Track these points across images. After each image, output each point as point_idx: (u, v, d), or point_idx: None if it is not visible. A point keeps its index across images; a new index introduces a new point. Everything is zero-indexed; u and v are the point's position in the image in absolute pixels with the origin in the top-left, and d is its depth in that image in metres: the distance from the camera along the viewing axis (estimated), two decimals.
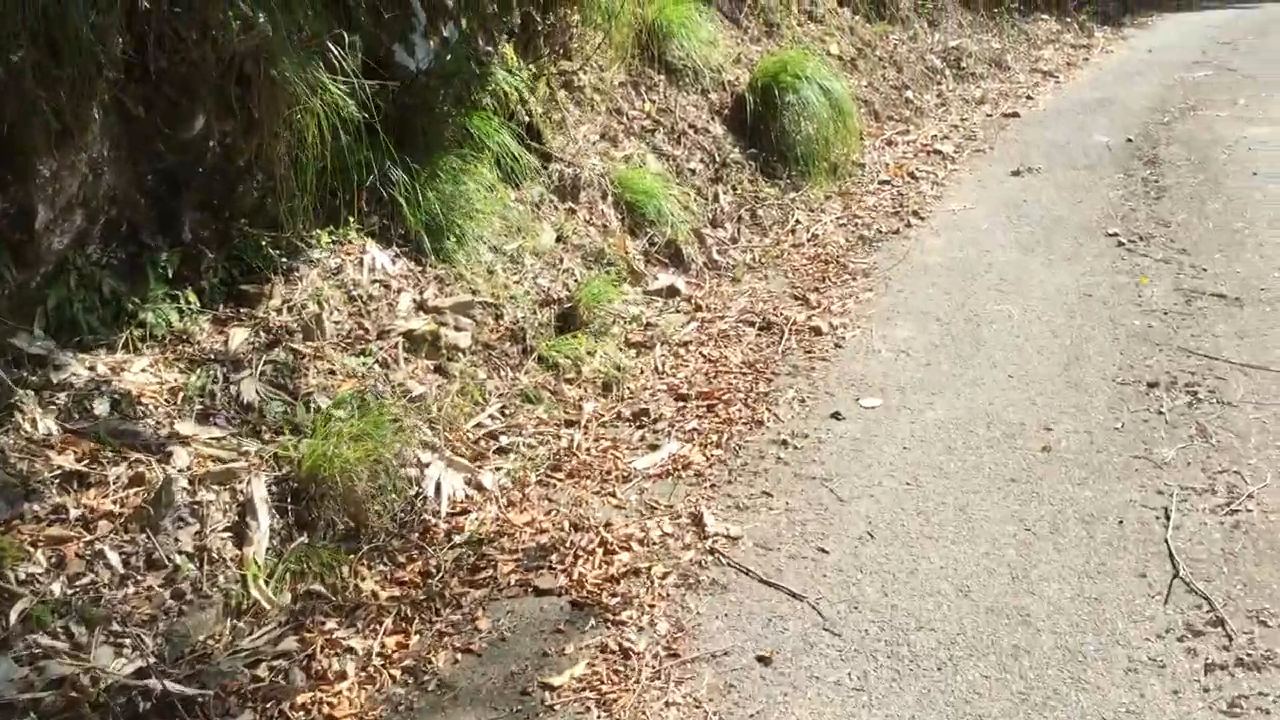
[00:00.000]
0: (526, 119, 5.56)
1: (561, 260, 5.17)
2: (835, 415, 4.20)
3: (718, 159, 6.65)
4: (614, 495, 3.68)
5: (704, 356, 4.76)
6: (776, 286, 5.64)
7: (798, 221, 6.47)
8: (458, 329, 4.38)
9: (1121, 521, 3.43)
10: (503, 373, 4.39)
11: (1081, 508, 3.52)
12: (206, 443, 3.40)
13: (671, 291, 5.40)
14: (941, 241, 6.16)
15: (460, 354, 4.30)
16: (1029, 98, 9.87)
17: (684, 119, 6.74)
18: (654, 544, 3.39)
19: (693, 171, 6.46)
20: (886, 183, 7.31)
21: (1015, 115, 9.17)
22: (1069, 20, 13.52)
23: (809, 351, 4.79)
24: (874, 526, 3.45)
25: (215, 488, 3.27)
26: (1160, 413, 4.11)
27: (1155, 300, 5.19)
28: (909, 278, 5.63)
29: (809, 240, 6.24)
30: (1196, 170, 7.32)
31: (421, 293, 4.43)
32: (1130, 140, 8.18)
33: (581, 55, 6.21)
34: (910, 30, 10.35)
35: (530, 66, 5.70)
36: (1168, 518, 3.43)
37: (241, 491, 3.28)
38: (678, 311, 5.27)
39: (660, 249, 5.71)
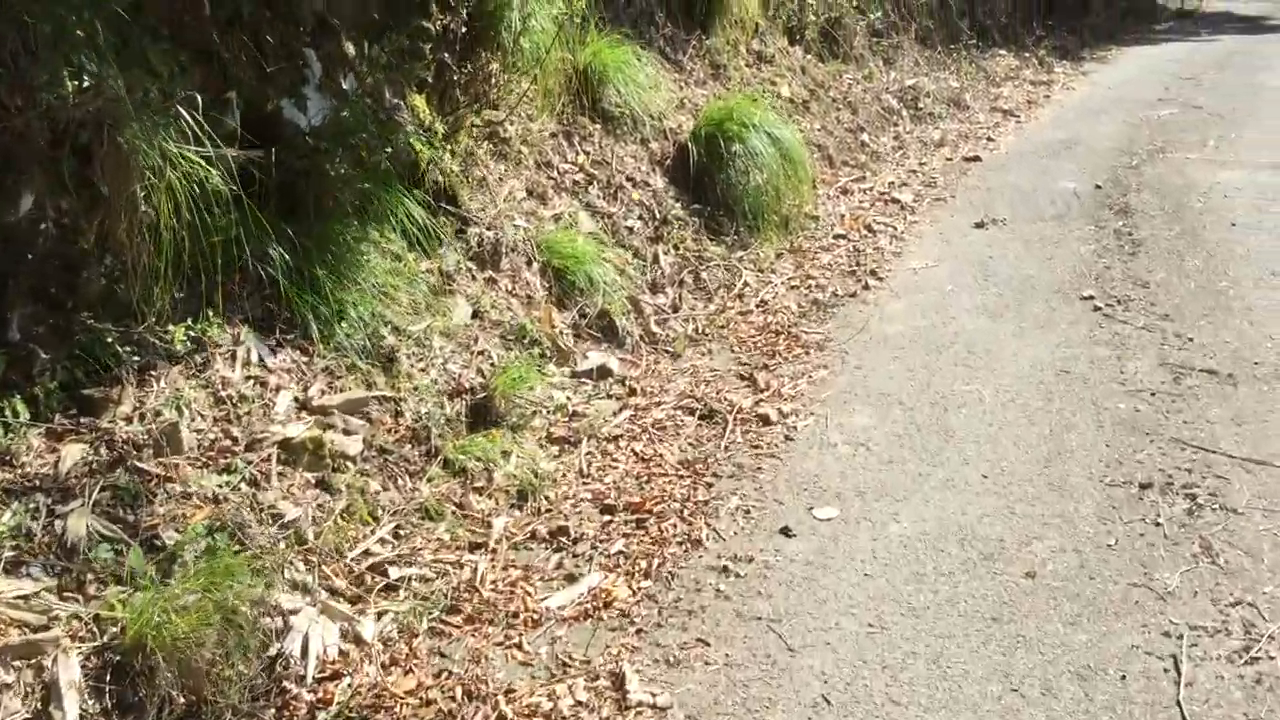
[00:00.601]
0: (440, 179, 4.97)
1: (477, 340, 4.57)
2: (785, 531, 3.62)
3: (658, 215, 6.09)
4: (520, 647, 3.07)
5: (636, 454, 4.17)
6: (721, 362, 5.07)
7: (746, 284, 5.92)
8: (347, 432, 3.77)
9: (1124, 676, 2.87)
10: (400, 482, 3.78)
11: (1076, 656, 2.95)
12: (11, 602, 2.77)
13: (603, 372, 4.81)
14: (902, 306, 5.62)
15: (349, 463, 3.68)
16: (990, 139, 9.42)
17: (621, 171, 6.18)
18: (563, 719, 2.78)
19: (630, 230, 5.89)
20: (842, 237, 6.78)
21: (976, 159, 8.70)
22: (1028, 56, 13.14)
23: (756, 446, 4.21)
24: (831, 688, 2.86)
25: (16, 664, 2.63)
26: (1158, 523, 3.56)
27: (1140, 377, 4.66)
28: (868, 351, 5.07)
29: (758, 306, 5.68)
30: (1172, 220, 6.85)
31: (306, 389, 3.82)
32: (1099, 187, 7.72)
33: (507, 105, 5.64)
34: (865, 69, 9.88)
35: (445, 120, 5.12)
36: (1178, 670, 2.87)
37: (49, 670, 2.64)
38: (609, 396, 4.68)
39: (591, 321, 5.12)
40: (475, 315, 4.73)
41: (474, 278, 4.91)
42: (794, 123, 8.14)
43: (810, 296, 5.82)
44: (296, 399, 3.76)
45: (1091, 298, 5.61)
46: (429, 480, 3.82)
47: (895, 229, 6.92)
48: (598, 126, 6.27)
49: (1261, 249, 6.20)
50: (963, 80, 11.13)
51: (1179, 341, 5.01)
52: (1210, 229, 6.64)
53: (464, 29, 5.23)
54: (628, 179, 6.19)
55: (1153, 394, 4.51)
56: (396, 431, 3.90)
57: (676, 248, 6.01)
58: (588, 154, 6.11)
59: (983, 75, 11.64)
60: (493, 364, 4.48)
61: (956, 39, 11.88)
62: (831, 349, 5.12)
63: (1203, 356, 4.85)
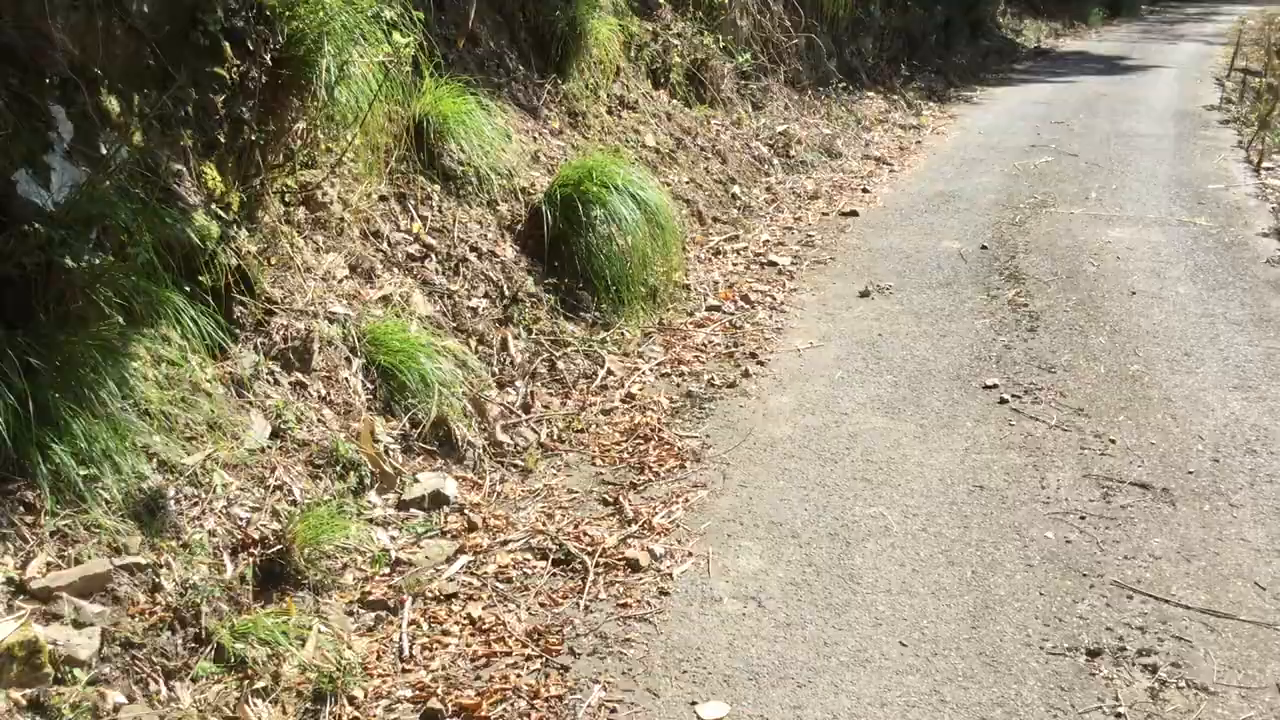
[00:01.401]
0: (235, 261, 4.06)
1: (274, 470, 3.66)
2: None
3: (508, 292, 5.26)
4: None
5: (473, 623, 3.32)
6: (581, 479, 4.26)
7: (609, 373, 5.13)
8: (79, 624, 2.83)
9: None
10: (152, 688, 2.85)
11: None
12: None
13: (436, 499, 3.95)
14: (789, 400, 4.90)
15: (79, 669, 2.74)
16: (865, 191, 8.87)
17: (464, 240, 5.35)
18: None
19: (474, 311, 5.05)
20: (717, 309, 6.05)
21: (854, 214, 8.12)
22: (896, 98, 12.76)
23: (624, 604, 3.41)
24: None
25: None
26: (1118, 714, 2.88)
27: (1065, 495, 4.03)
28: (753, 463, 4.33)
29: (624, 401, 4.89)
30: (1067, 288, 6.33)
31: (25, 564, 2.87)
32: (985, 248, 7.19)
33: (326, 164, 4.77)
34: (734, 114, 9.25)
35: (243, 188, 4.22)
36: None
37: None
38: (443, 534, 3.82)
39: (425, 432, 4.26)
40: (275, 435, 3.83)
41: (277, 383, 4.01)
42: (661, 176, 7.44)
43: (684, 387, 5.06)
44: (10, 580, 2.81)
45: (995, 387, 4.99)
46: (194, 680, 2.90)
47: (774, 299, 6.24)
48: (437, 187, 5.43)
49: (1168, 325, 5.70)
50: (834, 126, 10.63)
51: (1099, 444, 4.41)
52: (1110, 299, 6.14)
53: (267, 77, 4.35)
54: (472, 249, 5.35)
55: (1082, 517, 3.87)
56: (152, 614, 2.97)
57: (529, 330, 5.19)
58: (425, 220, 5.26)
59: (853, 119, 11.17)
60: (294, 502, 3.58)
61: (826, 82, 11.39)
62: (710, 460, 4.36)
63: (1129, 464, 4.25)
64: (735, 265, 6.83)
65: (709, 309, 6.06)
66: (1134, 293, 6.23)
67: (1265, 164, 9.84)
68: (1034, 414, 4.71)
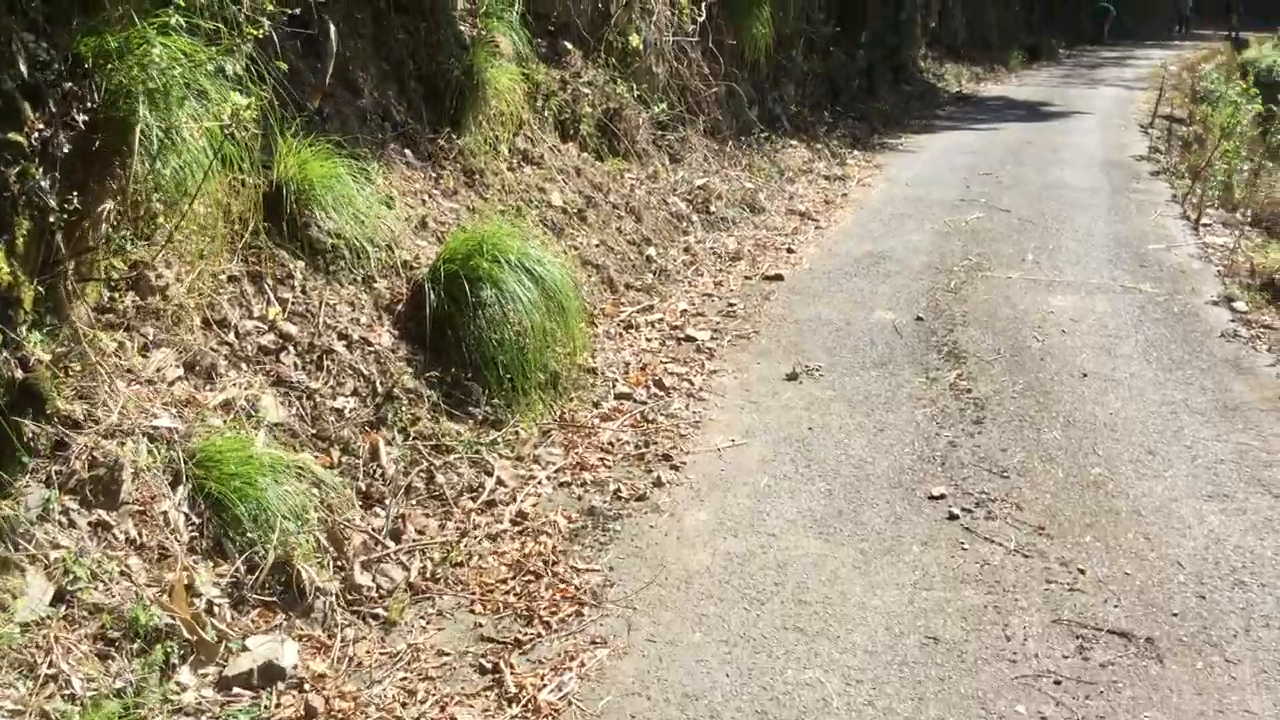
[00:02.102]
0: (20, 374, 3.28)
1: (51, 650, 2.87)
2: None
3: (381, 388, 4.51)
4: None
5: None
6: (455, 635, 3.51)
7: (500, 483, 4.39)
8: None
9: None
10: None
11: None
12: None
13: (268, 674, 3.17)
14: (707, 517, 4.21)
15: None
16: (790, 250, 8.27)
17: (332, 326, 4.59)
18: None
19: (339, 414, 4.30)
20: (627, 397, 5.36)
21: (778, 278, 7.50)
22: (820, 147, 12.25)
23: None
24: None
25: None
26: None
27: (1033, 649, 3.38)
28: (664, 606, 3.62)
29: (513, 523, 4.15)
30: (1012, 368, 5.75)
31: None
32: (921, 319, 6.61)
33: (160, 239, 4.01)
34: (649, 167, 8.61)
35: (39, 280, 3.45)
36: None
37: None
38: None
39: (263, 578, 3.49)
40: (60, 599, 3.03)
41: (71, 525, 3.23)
42: (568, 238, 6.76)
43: (586, 501, 4.34)
44: None
45: (943, 498, 4.36)
46: None
47: (692, 383, 5.56)
48: (300, 264, 4.67)
49: (1126, 415, 5.14)
50: (756, 177, 10.04)
51: (1068, 576, 3.79)
52: (1059, 382, 5.57)
53: (79, 143, 3.60)
54: (341, 336, 4.60)
55: (1056, 682, 3.22)
56: None
57: (406, 434, 4.44)
58: (284, 304, 4.50)
59: (776, 171, 10.60)
60: (72, 697, 2.79)
61: (748, 131, 10.82)
62: (613, 604, 3.63)
63: (1104, 602, 3.62)
64: (649, 341, 6.15)
65: (618, 397, 5.35)
66: (1085, 375, 5.67)
67: (1203, 220, 9.46)
68: (989, 533, 4.07)
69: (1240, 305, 6.96)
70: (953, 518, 4.20)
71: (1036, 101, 18.95)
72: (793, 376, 5.66)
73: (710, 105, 9.92)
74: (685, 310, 6.75)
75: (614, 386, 5.44)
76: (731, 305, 6.89)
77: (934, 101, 18.35)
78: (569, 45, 8.12)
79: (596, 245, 7.02)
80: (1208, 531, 4.09)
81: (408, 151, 6.05)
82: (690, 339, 6.23)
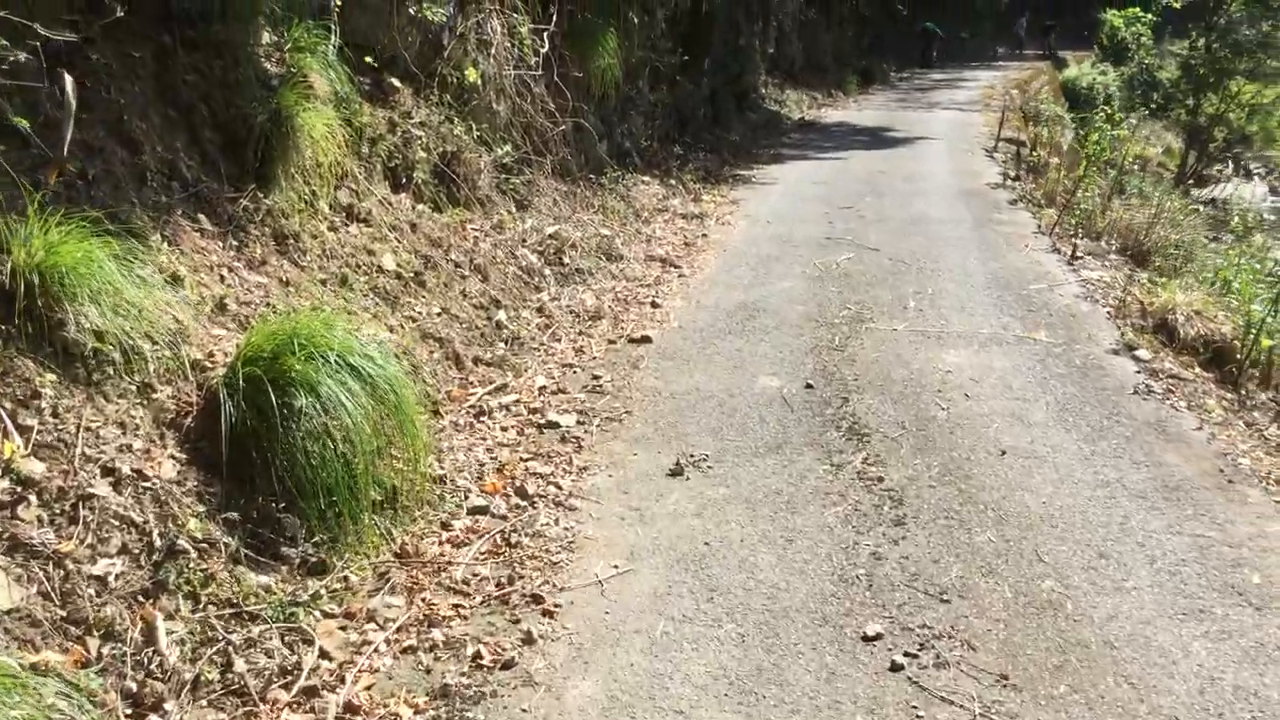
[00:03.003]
0: None
1: None
2: None
3: (161, 540, 3.47)
4: None
5: None
6: None
7: (322, 656, 3.41)
8: None
9: None
10: None
11: None
12: None
13: None
14: (594, 689, 3.32)
15: None
16: (654, 304, 7.46)
17: (94, 459, 3.53)
18: None
19: (101, 584, 3.24)
20: (483, 511, 4.42)
21: (646, 339, 6.67)
22: (673, 183, 11.55)
23: None
24: None
25: None
26: None
27: None
28: None
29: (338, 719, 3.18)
30: (923, 447, 5.05)
31: None
32: (811, 386, 5.87)
33: None
34: (494, 216, 7.69)
35: None
36: None
37: None
38: None
39: None
40: None
41: None
42: (403, 309, 5.79)
43: (436, 677, 3.39)
44: None
45: (879, 637, 3.57)
46: None
47: (560, 487, 4.66)
48: (51, 377, 3.59)
49: (1061, 503, 4.48)
50: (611, 220, 9.23)
51: None
52: (977, 461, 4.89)
53: None
54: (106, 472, 3.54)
55: None
56: None
57: (194, 601, 3.41)
58: (28, 434, 3.42)
59: (631, 211, 9.81)
60: None
61: (599, 169, 10.01)
62: None
63: None
64: (505, 431, 5.23)
65: (472, 512, 4.42)
66: (1004, 451, 5.01)
67: (1077, 254, 9.08)
68: (944, 689, 3.30)
69: (1143, 354, 6.48)
70: (896, 668, 3.41)
71: (879, 127, 18.76)
72: (677, 471, 4.82)
73: (558, 143, 9.05)
74: (545, 387, 5.85)
75: (466, 498, 4.50)
76: (597, 378, 6.02)
77: (779, 129, 17.98)
78: (396, 82, 7.14)
79: (438, 314, 6.06)
80: (1197, 668, 3.41)
81: (202, 216, 4.99)
82: (553, 425, 5.33)
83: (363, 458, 3.97)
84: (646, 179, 11.19)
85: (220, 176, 5.27)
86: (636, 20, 11.16)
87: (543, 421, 5.36)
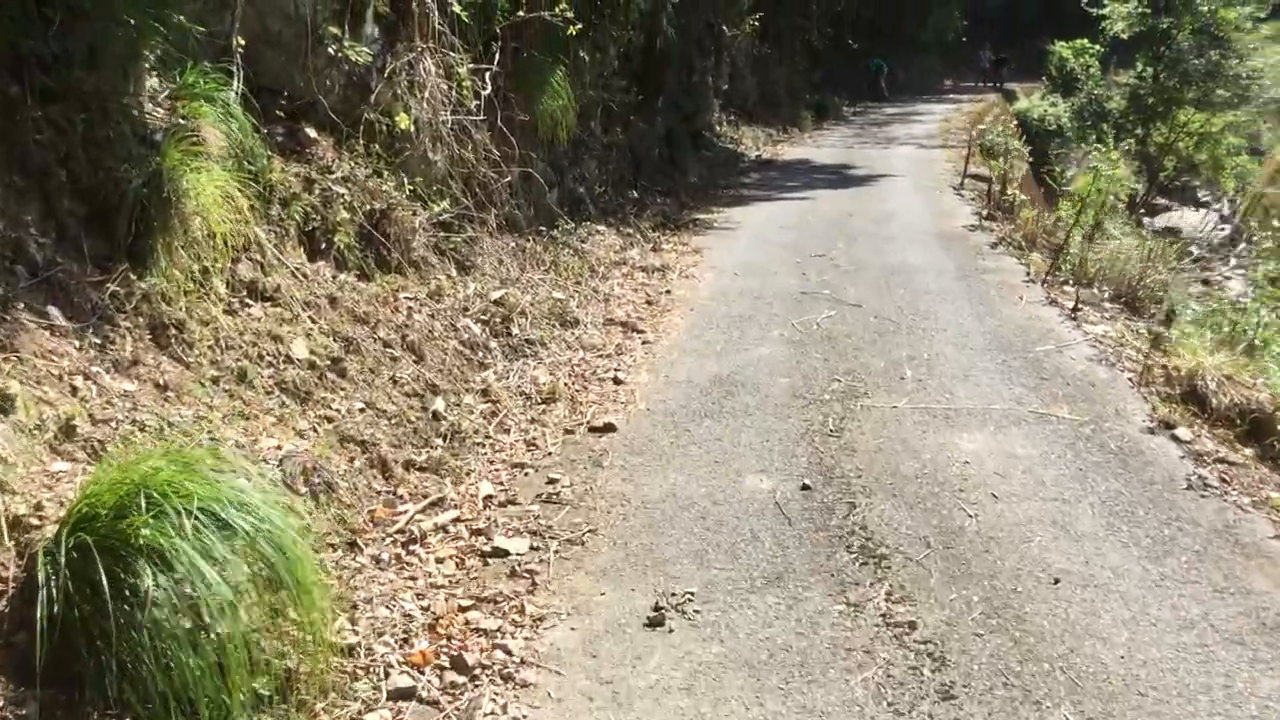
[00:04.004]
0: None
1: None
2: None
3: None
4: None
5: None
6: None
7: None
8: None
9: None
10: None
11: None
12: None
13: None
14: None
15: None
16: (617, 380, 6.50)
17: None
18: None
19: None
20: (408, 695, 3.41)
21: (609, 428, 5.70)
22: (631, 231, 10.63)
23: None
24: None
25: None
26: None
27: None
28: None
29: None
30: (956, 574, 4.12)
31: None
32: (807, 487, 4.93)
33: None
34: (431, 282, 6.70)
35: None
36: None
37: None
38: None
39: None
40: None
41: None
42: (317, 407, 4.78)
43: None
44: None
45: None
46: None
47: (509, 652, 3.65)
48: None
49: (1145, 657, 3.55)
50: (564, 279, 8.27)
51: None
52: (1027, 596, 3.96)
53: None
54: None
55: None
56: None
57: None
58: None
59: (586, 267, 8.85)
60: None
61: (549, 220, 9.06)
62: None
63: None
64: (441, 565, 4.22)
65: (394, 696, 3.40)
66: (1056, 580, 4.09)
67: (1077, 307, 8.26)
68: None
69: (1182, 433, 5.61)
70: None
71: (840, 164, 18.02)
72: (657, 621, 3.83)
73: (503, 195, 8.09)
74: (490, 497, 4.86)
75: (386, 676, 3.48)
76: (553, 482, 5.03)
77: (737, 168, 17.19)
78: (314, 132, 6.16)
79: (361, 410, 5.06)
80: None
81: (53, 309, 3.98)
82: (501, 552, 4.33)
83: (236, 646, 2.95)
84: (601, 229, 10.25)
85: (82, 256, 4.27)
86: (587, 58, 10.25)
87: (488, 548, 4.36)
